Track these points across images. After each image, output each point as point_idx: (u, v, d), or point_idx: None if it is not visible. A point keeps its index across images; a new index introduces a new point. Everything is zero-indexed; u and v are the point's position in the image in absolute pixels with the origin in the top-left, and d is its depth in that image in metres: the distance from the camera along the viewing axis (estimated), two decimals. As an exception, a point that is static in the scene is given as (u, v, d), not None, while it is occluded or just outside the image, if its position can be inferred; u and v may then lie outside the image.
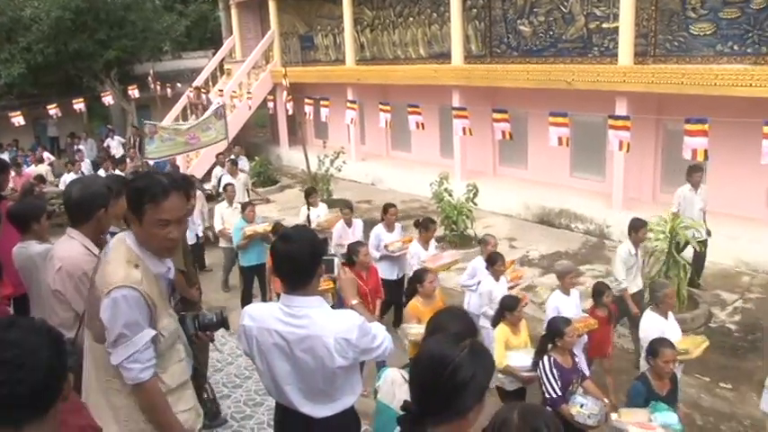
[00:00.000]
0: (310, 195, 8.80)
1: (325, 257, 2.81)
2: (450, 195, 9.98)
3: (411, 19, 13.80)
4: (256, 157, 16.34)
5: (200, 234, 9.43)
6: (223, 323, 3.03)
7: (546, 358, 4.48)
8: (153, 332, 2.55)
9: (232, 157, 12.65)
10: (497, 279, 5.95)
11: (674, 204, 7.79)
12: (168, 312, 2.73)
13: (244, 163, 13.79)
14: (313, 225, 8.18)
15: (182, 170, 12.86)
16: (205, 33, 28.98)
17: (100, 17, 20.63)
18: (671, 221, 7.11)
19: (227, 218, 8.68)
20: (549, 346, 4.58)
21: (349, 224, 7.83)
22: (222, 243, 8.83)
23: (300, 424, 2.75)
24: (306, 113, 13.99)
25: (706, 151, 7.82)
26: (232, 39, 20.36)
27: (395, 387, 2.63)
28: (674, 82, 8.99)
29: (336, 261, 2.92)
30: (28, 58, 19.80)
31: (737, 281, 8.37)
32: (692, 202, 7.74)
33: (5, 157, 15.65)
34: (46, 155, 16.77)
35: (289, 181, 16.28)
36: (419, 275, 5.35)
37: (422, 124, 11.52)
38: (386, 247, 7.14)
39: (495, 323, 5.24)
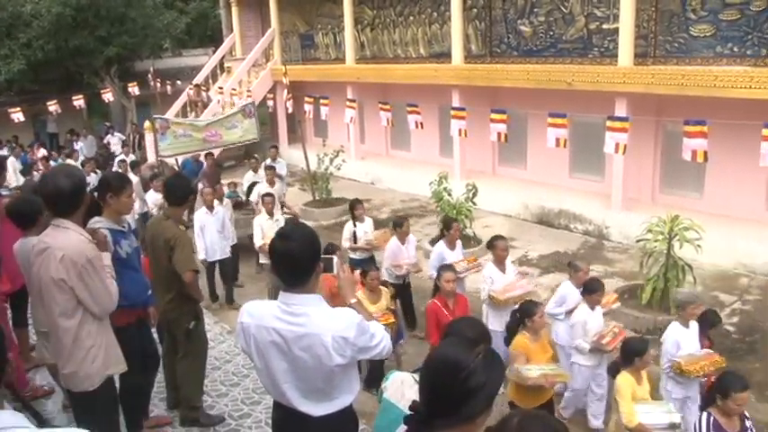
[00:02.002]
0: (355, 208, 7.73)
1: (323, 256, 2.80)
2: (450, 195, 9.98)
3: (411, 18, 13.79)
4: (255, 155, 16.29)
5: (230, 251, 8.45)
6: None
7: (705, 416, 3.84)
8: None
9: (267, 161, 11.56)
10: (593, 308, 5.31)
11: None
12: None
13: (281, 167, 12.07)
14: (360, 243, 7.53)
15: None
16: (205, 31, 28.98)
17: (100, 14, 20.64)
18: (669, 222, 7.12)
19: (267, 231, 7.75)
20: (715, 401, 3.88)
21: (403, 242, 7.16)
22: (263, 259, 8.04)
23: (298, 422, 2.75)
24: (305, 112, 13.99)
25: (705, 153, 7.86)
26: (232, 36, 20.36)
27: (404, 387, 2.61)
28: (674, 83, 8.99)
29: (335, 260, 2.90)
30: (28, 55, 19.79)
31: (736, 282, 8.37)
32: None
33: (5, 153, 15.69)
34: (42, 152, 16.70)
35: (288, 179, 16.23)
36: (529, 309, 4.72)
37: (421, 124, 11.53)
38: None
39: (615, 372, 4.56)
